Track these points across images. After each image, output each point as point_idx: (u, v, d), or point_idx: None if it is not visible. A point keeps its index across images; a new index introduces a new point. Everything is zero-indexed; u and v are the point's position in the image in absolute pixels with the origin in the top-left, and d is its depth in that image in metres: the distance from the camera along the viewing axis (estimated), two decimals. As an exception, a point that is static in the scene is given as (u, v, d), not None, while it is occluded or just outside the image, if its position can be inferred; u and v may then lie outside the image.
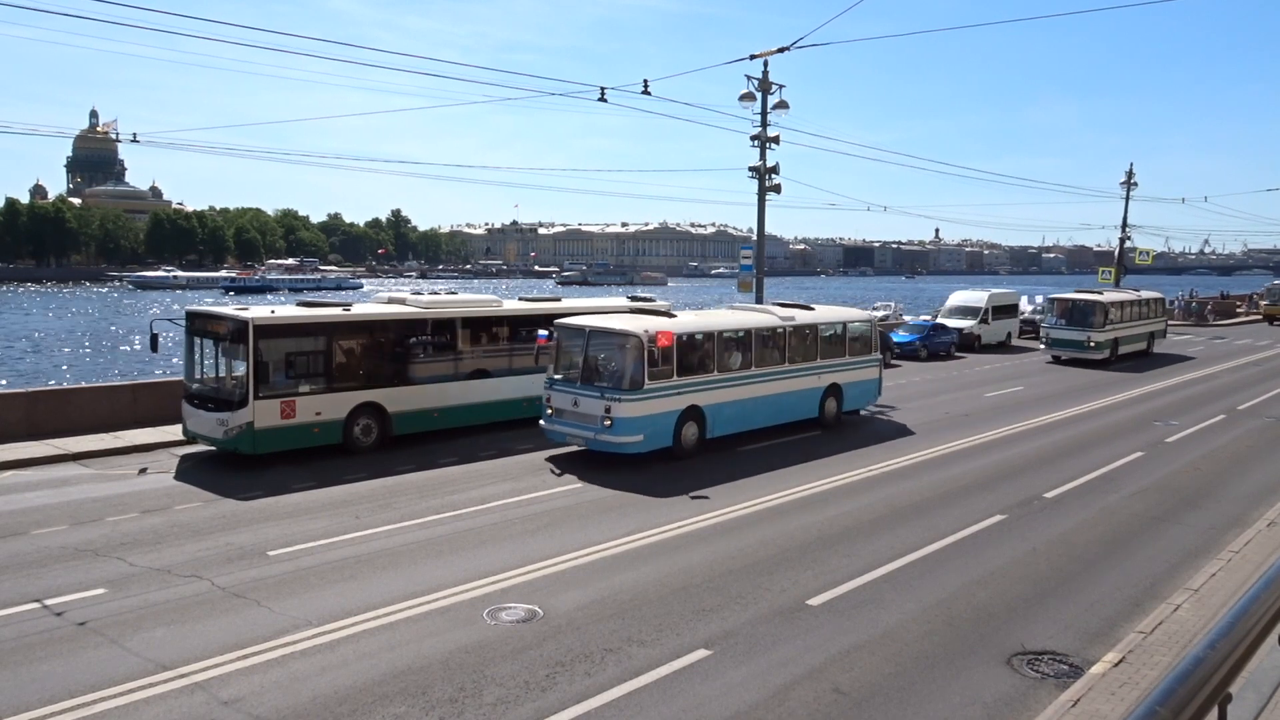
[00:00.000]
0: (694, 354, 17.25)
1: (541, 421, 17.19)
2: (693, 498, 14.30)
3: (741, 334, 18.53)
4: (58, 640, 8.86)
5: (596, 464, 16.44)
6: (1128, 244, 55.12)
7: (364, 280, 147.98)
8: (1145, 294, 39.20)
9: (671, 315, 18.65)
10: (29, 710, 7.48)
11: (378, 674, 8.25)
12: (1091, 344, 33.70)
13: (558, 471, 15.96)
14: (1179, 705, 3.48)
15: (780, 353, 19.26)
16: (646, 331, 15.92)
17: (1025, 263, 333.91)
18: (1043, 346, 36.03)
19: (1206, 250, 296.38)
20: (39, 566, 10.89)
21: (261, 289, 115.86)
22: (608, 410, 15.84)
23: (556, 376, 16.95)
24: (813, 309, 21.32)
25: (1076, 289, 38.69)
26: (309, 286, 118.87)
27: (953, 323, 37.76)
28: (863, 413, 22.50)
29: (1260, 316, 60.35)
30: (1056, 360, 34.42)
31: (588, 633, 9.25)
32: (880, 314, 45.02)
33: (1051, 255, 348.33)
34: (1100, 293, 36.24)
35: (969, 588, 10.79)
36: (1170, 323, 55.89)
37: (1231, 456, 18.59)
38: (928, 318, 40.81)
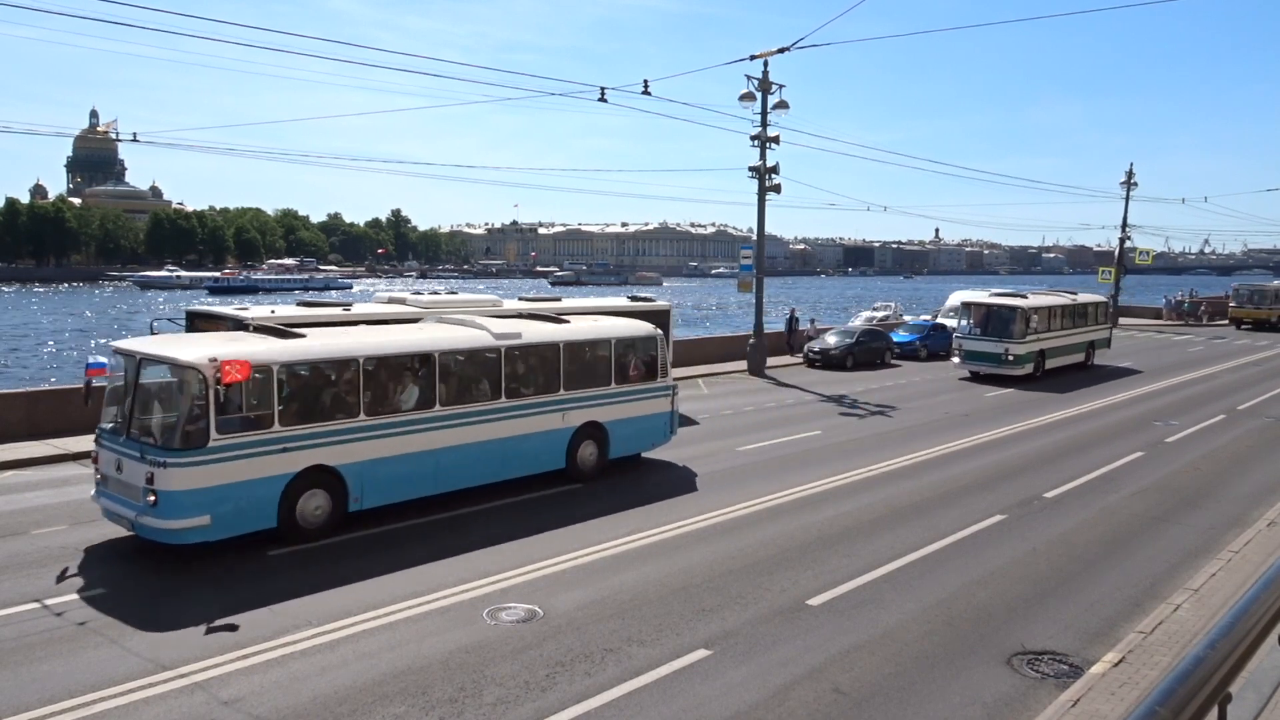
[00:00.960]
0: (324, 390, 12.26)
1: (91, 492, 12.16)
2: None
3: (417, 358, 13.15)
4: (58, 640, 8.86)
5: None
6: (1128, 244, 55.19)
7: (354, 280, 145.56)
8: (1084, 297, 34.13)
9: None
10: (29, 710, 7.48)
11: (378, 674, 8.25)
12: (1010, 357, 28.35)
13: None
14: (1179, 705, 3.48)
15: (494, 384, 13.89)
16: (213, 361, 10.71)
17: (1025, 263, 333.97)
18: (955, 361, 30.54)
19: (1206, 250, 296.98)
20: (39, 566, 10.89)
21: (246, 289, 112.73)
22: (150, 479, 10.63)
23: (105, 425, 11.81)
24: (566, 322, 15.93)
25: (993, 291, 33.18)
26: (296, 286, 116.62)
27: (952, 323, 37.74)
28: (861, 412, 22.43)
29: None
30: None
31: (588, 633, 9.25)
32: (880, 314, 45.12)
33: (1051, 255, 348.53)
34: (1024, 295, 31.15)
35: (969, 588, 10.79)
36: (1165, 323, 55.81)
37: (1231, 456, 18.59)
38: (928, 318, 40.84)
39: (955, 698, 8.08)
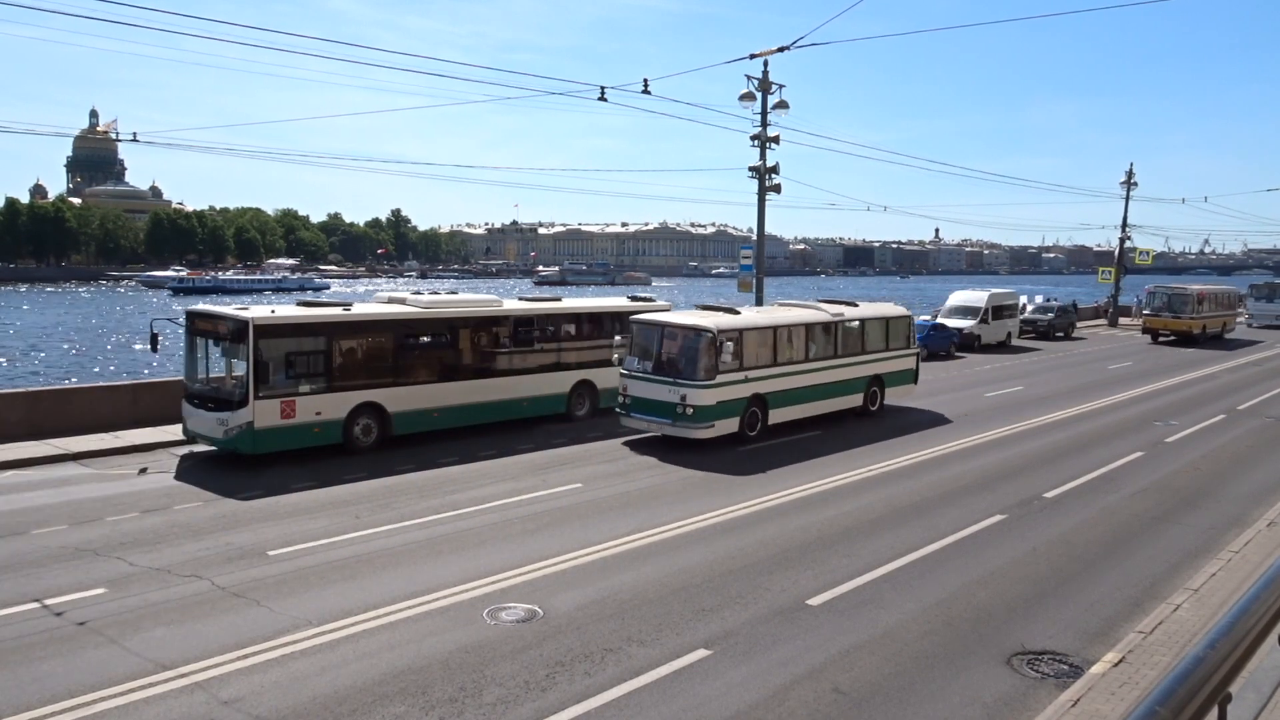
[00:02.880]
0: None
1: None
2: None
3: None
4: (58, 640, 8.86)
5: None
6: (1128, 244, 55.18)
7: (336, 280, 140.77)
8: (866, 309, 22.91)
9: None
10: (29, 710, 7.49)
11: (378, 674, 8.25)
12: (688, 409, 17.41)
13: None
14: (1179, 705, 3.48)
15: None
16: None
17: (1025, 263, 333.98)
18: (618, 410, 18.83)
19: (1206, 250, 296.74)
20: (39, 566, 10.89)
21: (213, 289, 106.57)
22: None
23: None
24: None
25: (697, 305, 21.32)
26: (267, 288, 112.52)
27: (953, 323, 37.76)
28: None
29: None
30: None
31: (588, 633, 9.25)
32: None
33: (1051, 255, 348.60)
34: (734, 310, 19.85)
35: (969, 588, 10.79)
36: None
37: (1231, 456, 18.59)
38: (928, 318, 40.84)
39: (955, 698, 8.08)
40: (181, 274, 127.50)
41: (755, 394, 18.75)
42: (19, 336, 59.55)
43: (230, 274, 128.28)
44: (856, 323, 22.05)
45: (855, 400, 21.81)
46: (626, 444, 18.47)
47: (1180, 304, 43.36)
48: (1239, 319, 50.52)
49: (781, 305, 22.83)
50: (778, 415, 19.43)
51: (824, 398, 20.75)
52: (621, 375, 18.85)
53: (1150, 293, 45.63)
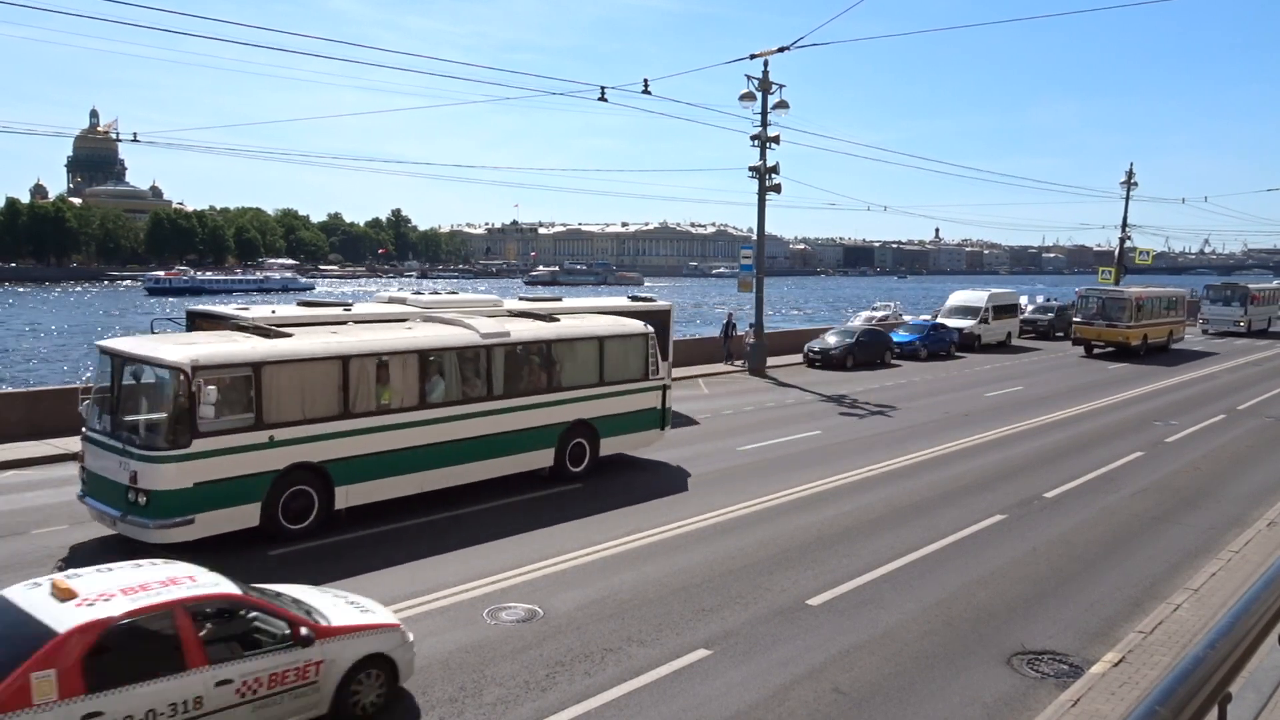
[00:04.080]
0: None
1: None
2: None
3: None
4: (58, 640, 8.83)
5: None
6: (1128, 244, 55.17)
7: (316, 280, 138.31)
8: (564, 325, 15.64)
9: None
10: (29, 710, 7.46)
11: (378, 674, 8.23)
12: (141, 497, 10.94)
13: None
14: (1179, 705, 3.48)
15: None
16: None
17: (1025, 263, 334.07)
18: (79, 494, 12.13)
19: (1206, 250, 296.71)
20: (40, 566, 10.88)
21: (192, 290, 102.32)
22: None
23: None
24: None
25: (237, 324, 14.41)
26: (250, 288, 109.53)
27: (953, 323, 37.77)
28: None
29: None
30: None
31: (588, 632, 9.25)
32: (880, 314, 45.11)
33: (1052, 255, 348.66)
34: (282, 329, 12.94)
35: (969, 588, 10.80)
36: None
37: (1231, 456, 18.59)
38: (927, 318, 40.84)
39: (955, 698, 8.08)
40: (159, 274, 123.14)
41: (299, 464, 11.88)
42: None
43: (209, 274, 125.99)
44: (537, 344, 14.94)
45: (539, 459, 14.86)
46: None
47: (1115, 310, 36.19)
48: (1192, 326, 46.44)
49: (428, 322, 15.18)
50: (358, 493, 12.56)
51: (462, 460, 13.66)
52: (82, 437, 12.05)
53: (1081, 296, 38.30)
